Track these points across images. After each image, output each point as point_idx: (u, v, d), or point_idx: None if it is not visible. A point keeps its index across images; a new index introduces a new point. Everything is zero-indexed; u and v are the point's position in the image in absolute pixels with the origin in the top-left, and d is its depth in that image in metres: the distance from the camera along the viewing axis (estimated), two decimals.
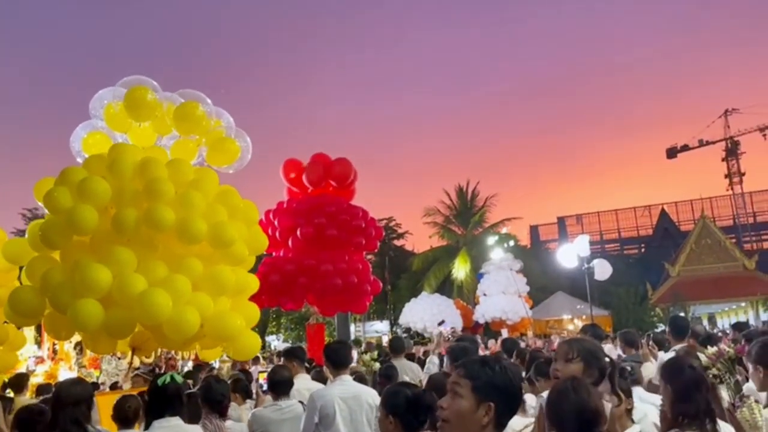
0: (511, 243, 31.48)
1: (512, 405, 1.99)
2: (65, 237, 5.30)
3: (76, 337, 19.08)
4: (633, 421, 3.51)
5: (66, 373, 12.39)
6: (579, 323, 23.75)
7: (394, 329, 32.35)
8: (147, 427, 4.02)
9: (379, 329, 34.16)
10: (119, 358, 14.60)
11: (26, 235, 5.89)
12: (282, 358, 9.45)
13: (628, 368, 4.52)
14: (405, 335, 22.02)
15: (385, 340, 26.08)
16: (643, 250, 56.24)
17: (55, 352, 14.96)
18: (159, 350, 7.10)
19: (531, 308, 25.39)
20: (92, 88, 6.55)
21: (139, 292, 5.05)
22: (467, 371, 1.99)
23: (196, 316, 5.29)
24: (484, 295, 25.80)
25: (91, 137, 6.51)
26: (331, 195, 9.88)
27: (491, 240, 29.25)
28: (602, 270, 18.78)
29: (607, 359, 3.06)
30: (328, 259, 9.12)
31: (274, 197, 10.31)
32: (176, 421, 3.99)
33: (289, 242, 9.43)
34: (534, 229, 60.59)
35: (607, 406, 3.19)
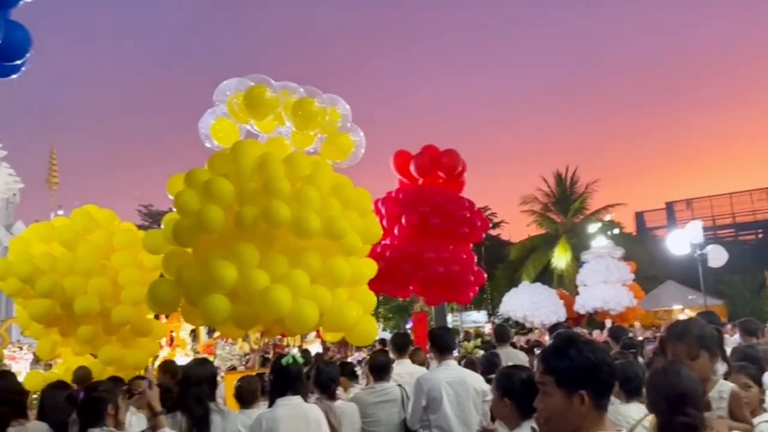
0: (615, 231, 30.29)
1: (605, 384, 1.88)
2: (195, 236, 5.70)
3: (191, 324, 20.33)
4: (766, 410, 3.39)
5: (183, 359, 13.22)
6: (690, 314, 22.50)
7: (491, 319, 32.04)
8: (270, 404, 4.29)
9: (477, 319, 33.91)
10: (232, 344, 15.47)
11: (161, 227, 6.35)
12: (382, 345, 9.65)
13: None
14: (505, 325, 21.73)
15: (484, 330, 25.85)
16: (760, 235, 52.27)
17: (172, 339, 16.07)
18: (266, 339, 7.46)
19: (639, 299, 24.26)
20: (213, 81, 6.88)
21: (261, 288, 5.34)
22: (546, 366, 1.92)
23: (315, 309, 5.50)
24: (584, 285, 24.95)
25: (218, 123, 6.88)
26: (439, 186, 9.96)
27: (593, 228, 28.27)
28: (717, 257, 17.71)
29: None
30: (431, 247, 9.21)
31: (387, 190, 10.42)
32: (297, 400, 4.23)
33: (395, 231, 9.62)
34: (640, 216, 57.74)
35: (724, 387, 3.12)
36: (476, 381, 4.89)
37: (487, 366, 6.17)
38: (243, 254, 5.43)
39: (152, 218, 40.86)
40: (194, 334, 19.94)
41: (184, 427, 3.90)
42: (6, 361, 13.98)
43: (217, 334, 21.02)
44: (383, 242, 9.49)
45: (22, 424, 3.53)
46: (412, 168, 10.08)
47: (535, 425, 2.70)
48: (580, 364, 1.85)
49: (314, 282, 5.61)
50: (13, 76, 4.71)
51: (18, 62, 4.45)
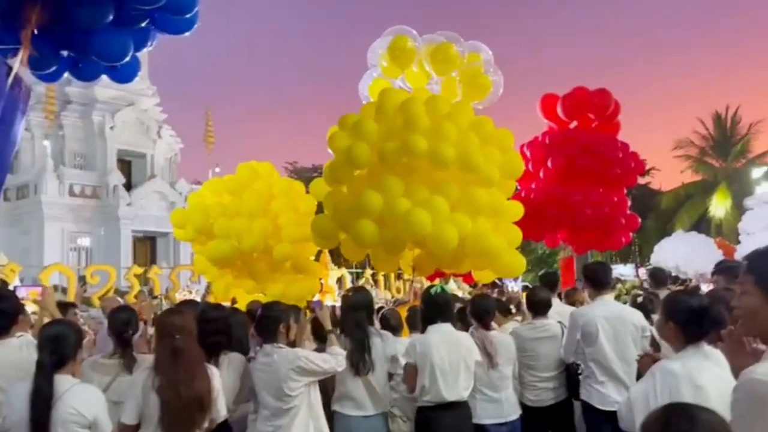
0: None
1: None
2: (346, 173, 6.33)
3: (338, 273, 21.41)
4: None
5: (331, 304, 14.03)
6: None
7: (639, 272, 30.50)
8: (423, 331, 4.50)
9: (623, 272, 32.45)
10: (376, 289, 16.17)
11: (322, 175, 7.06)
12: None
13: None
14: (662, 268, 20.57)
15: (629, 284, 24.68)
16: None
17: (321, 286, 17.09)
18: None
19: None
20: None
21: (404, 211, 5.81)
22: (749, 265, 1.94)
23: (455, 232, 5.83)
24: (747, 233, 22.84)
25: (375, 83, 7.49)
26: (590, 128, 9.41)
27: (757, 173, 25.74)
28: None
29: None
30: (579, 190, 8.82)
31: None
32: (448, 327, 4.43)
33: (540, 174, 9.30)
34: None
35: None
36: (635, 316, 4.73)
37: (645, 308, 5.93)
38: (387, 185, 5.94)
39: (297, 174, 43.64)
40: (340, 281, 21.11)
41: (347, 348, 4.18)
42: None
43: (361, 281, 22.13)
44: (529, 186, 9.28)
45: (225, 354, 3.94)
46: (559, 110, 9.58)
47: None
48: None
49: (454, 210, 5.99)
50: (187, 33, 5.08)
51: (188, 15, 4.79)
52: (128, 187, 27.07)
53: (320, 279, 16.47)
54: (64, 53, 4.92)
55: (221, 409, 3.43)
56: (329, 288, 18.78)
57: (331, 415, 4.15)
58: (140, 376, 3.36)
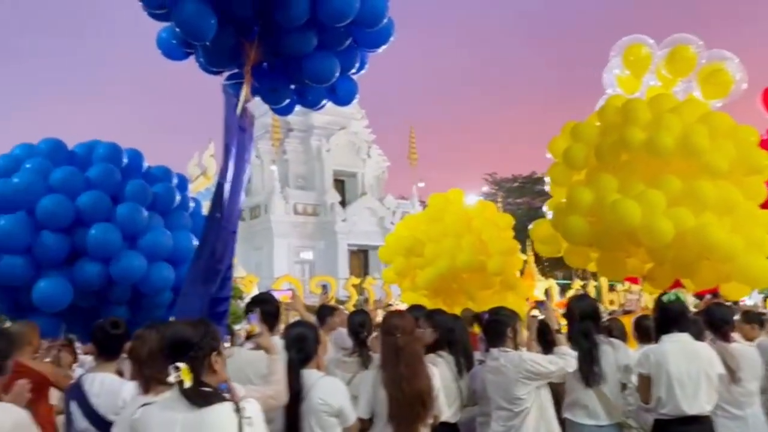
0: None
1: None
2: (565, 174, 6.49)
3: (545, 284, 20.94)
4: None
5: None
6: None
7: None
8: (656, 341, 4.25)
9: None
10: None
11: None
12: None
13: None
14: None
15: None
16: None
17: (527, 299, 16.89)
18: None
19: None
20: None
21: (611, 201, 5.72)
22: None
23: (670, 225, 5.53)
24: None
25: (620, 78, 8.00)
26: None
27: None
28: None
29: None
30: None
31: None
32: (684, 337, 4.10)
33: None
34: None
35: None
36: None
37: None
38: (600, 181, 5.89)
39: (496, 185, 43.48)
40: (547, 293, 20.55)
41: (579, 356, 4.09)
42: None
43: (570, 293, 21.35)
44: None
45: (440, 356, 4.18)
46: None
47: None
48: None
49: (675, 204, 5.71)
50: (381, 48, 5.39)
51: (380, 27, 5.06)
52: (342, 204, 29.27)
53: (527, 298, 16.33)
54: (291, 87, 5.54)
55: (443, 407, 3.58)
56: (536, 299, 18.44)
57: (562, 422, 4.10)
58: (370, 373, 3.64)
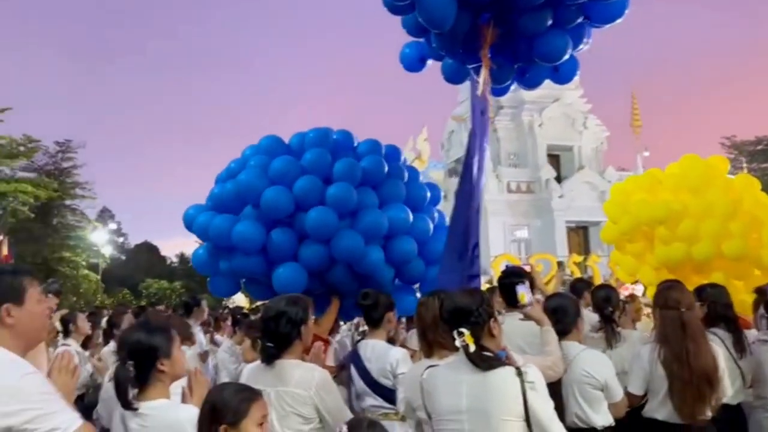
0: None
1: None
2: None
3: None
4: None
5: None
6: None
7: None
8: None
9: None
10: None
11: None
12: None
13: None
14: None
15: None
16: None
17: None
18: None
19: None
20: None
21: None
22: None
23: None
24: None
25: None
26: None
27: None
28: None
29: None
30: None
31: None
32: None
33: None
34: None
35: None
36: None
37: None
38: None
39: (736, 149, 38.70)
40: None
41: None
42: None
43: None
44: None
45: None
46: None
47: None
48: None
49: None
50: (619, 20, 5.02)
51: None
52: (558, 179, 28.33)
53: None
54: (515, 66, 5.45)
55: (726, 389, 3.34)
56: None
57: None
58: (645, 349, 3.51)
